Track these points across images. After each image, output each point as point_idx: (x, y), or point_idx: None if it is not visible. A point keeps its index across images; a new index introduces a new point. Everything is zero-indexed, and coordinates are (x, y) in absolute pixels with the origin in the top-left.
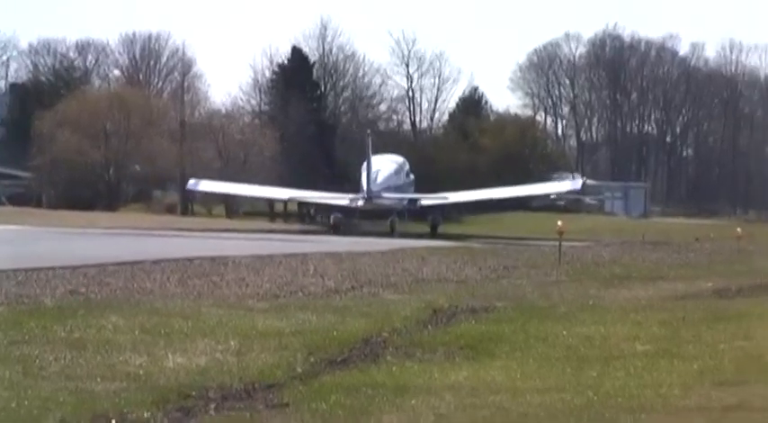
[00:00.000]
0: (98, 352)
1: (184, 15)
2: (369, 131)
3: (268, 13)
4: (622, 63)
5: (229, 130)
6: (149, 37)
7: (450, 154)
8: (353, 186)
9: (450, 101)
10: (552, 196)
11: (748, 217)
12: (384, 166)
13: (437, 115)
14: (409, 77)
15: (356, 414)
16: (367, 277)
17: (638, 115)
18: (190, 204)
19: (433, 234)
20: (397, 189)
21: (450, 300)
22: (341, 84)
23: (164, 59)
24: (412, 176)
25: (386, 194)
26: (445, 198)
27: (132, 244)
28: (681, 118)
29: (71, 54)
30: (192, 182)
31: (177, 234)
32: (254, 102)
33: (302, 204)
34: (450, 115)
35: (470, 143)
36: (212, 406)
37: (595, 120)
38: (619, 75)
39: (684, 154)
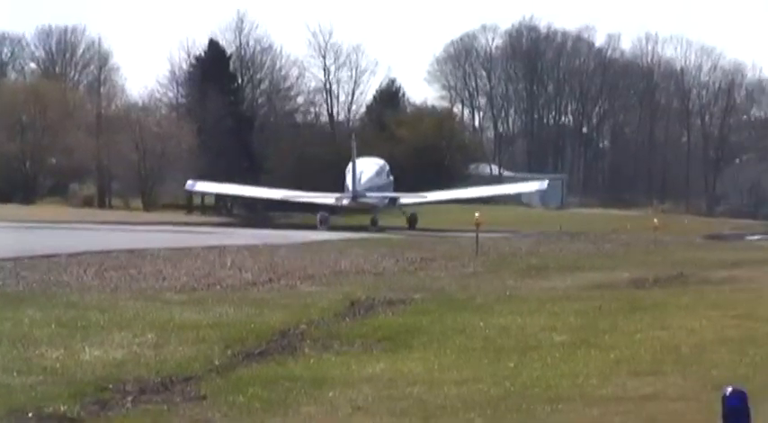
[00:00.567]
0: (14, 346)
1: (101, 8)
2: (353, 135)
3: (185, 5)
4: (539, 54)
5: (146, 122)
6: (65, 30)
7: (367, 146)
8: (269, 178)
9: (368, 93)
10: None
11: (665, 208)
12: (367, 168)
13: (354, 107)
14: (326, 70)
15: (274, 406)
16: (285, 269)
17: (554, 107)
18: (107, 197)
19: (412, 227)
20: (379, 189)
21: (367, 292)
22: (258, 76)
23: (80, 52)
24: (391, 177)
25: (369, 194)
26: (424, 196)
27: (49, 237)
28: (597, 109)
29: None
30: (189, 182)
31: (95, 227)
32: (171, 94)
33: (220, 197)
34: (368, 107)
35: (388, 135)
36: (129, 399)
37: (512, 111)
38: (535, 66)
39: (601, 145)
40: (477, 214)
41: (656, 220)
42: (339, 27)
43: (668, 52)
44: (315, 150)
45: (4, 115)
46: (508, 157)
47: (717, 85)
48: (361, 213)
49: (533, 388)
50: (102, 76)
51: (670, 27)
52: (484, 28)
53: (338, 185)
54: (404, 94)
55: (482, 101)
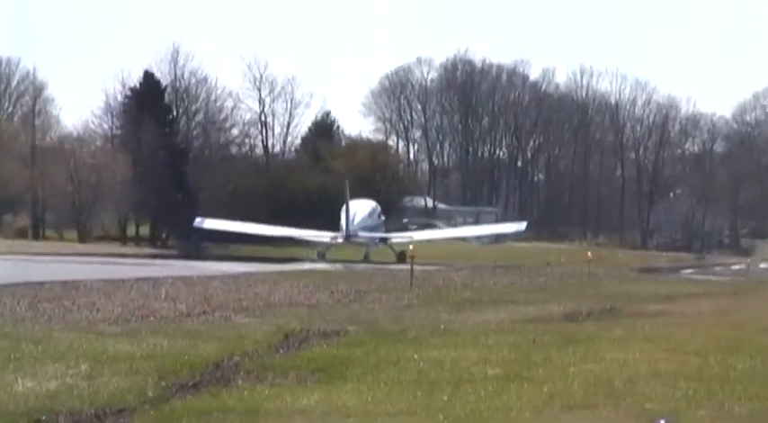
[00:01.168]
0: None
1: (36, 39)
2: (347, 181)
3: (120, 37)
4: (474, 87)
5: (81, 154)
6: (0, 61)
7: (302, 177)
8: (204, 209)
9: (303, 125)
10: (405, 220)
11: (599, 241)
12: (360, 209)
13: (290, 139)
14: (261, 101)
15: None
16: (219, 301)
17: (489, 140)
18: (41, 228)
19: (402, 261)
20: (371, 228)
21: (301, 323)
22: (193, 108)
23: (14, 83)
24: (383, 217)
25: (362, 234)
26: (411, 237)
27: None
28: (532, 143)
29: None
30: (198, 220)
31: (28, 258)
32: (105, 126)
33: (154, 228)
34: (303, 139)
35: (322, 167)
36: None
37: (447, 144)
38: (470, 99)
39: (536, 178)
40: (411, 247)
41: (589, 254)
42: (274, 59)
43: (603, 86)
44: (250, 182)
45: None
46: (443, 189)
47: (651, 119)
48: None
49: (467, 421)
50: (37, 108)
51: (604, 61)
52: (419, 61)
53: (275, 217)
54: (339, 127)
55: (417, 133)
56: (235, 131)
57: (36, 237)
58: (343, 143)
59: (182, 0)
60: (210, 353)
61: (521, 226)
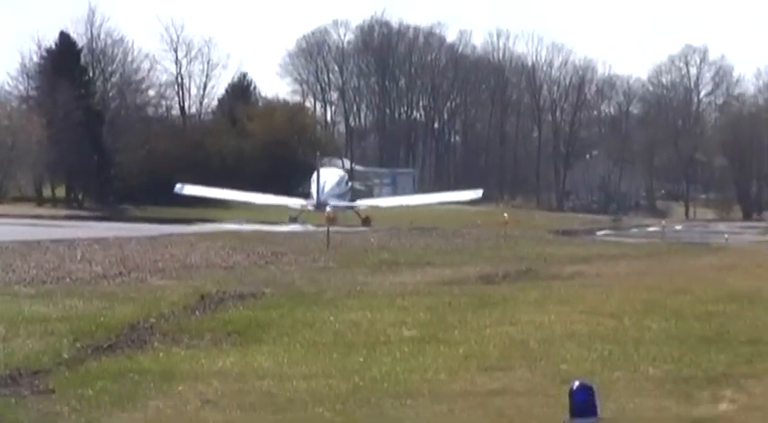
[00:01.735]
0: None
1: None
2: (318, 153)
3: None
4: (391, 49)
5: None
6: None
7: (218, 140)
8: (118, 170)
9: (220, 87)
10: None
11: (515, 202)
12: (329, 178)
13: (206, 101)
14: (178, 63)
15: (122, 400)
16: (135, 263)
17: (406, 101)
18: None
19: (366, 225)
20: (340, 196)
21: (218, 286)
22: (109, 69)
23: None
24: (350, 184)
25: (331, 202)
26: (377, 204)
27: None
28: (449, 104)
29: None
30: (178, 186)
31: None
32: (21, 87)
33: (70, 189)
34: (219, 101)
35: (239, 129)
36: None
37: (364, 106)
38: (387, 61)
39: (452, 140)
40: (328, 209)
41: (505, 216)
42: (191, 21)
43: (519, 48)
44: (166, 144)
45: None
46: (360, 151)
47: (567, 81)
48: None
49: (382, 383)
50: None
51: (521, 23)
52: (336, 23)
53: (192, 178)
54: (255, 88)
55: (334, 95)
56: (151, 93)
57: None
58: (260, 105)
59: None
60: (126, 314)
61: (477, 193)
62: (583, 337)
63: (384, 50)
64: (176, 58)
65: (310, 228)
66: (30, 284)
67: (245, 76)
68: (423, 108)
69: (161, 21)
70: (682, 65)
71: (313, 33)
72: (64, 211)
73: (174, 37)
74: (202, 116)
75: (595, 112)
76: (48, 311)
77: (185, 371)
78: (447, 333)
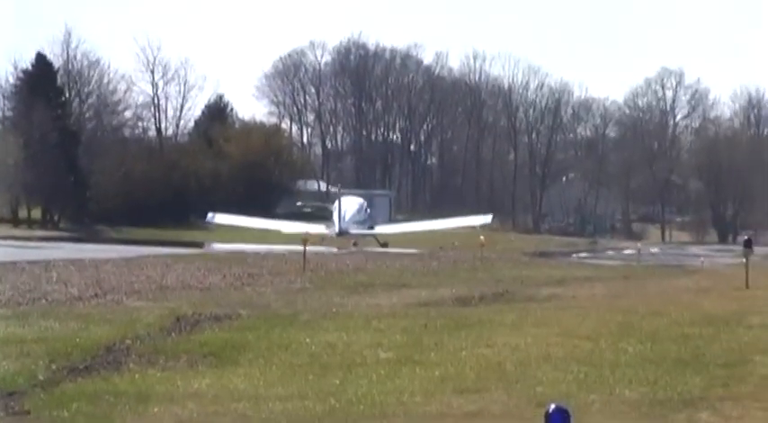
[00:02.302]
0: None
1: None
2: (339, 186)
3: (12, 18)
4: (367, 71)
5: None
6: None
7: (194, 161)
8: (94, 191)
9: (196, 108)
10: (298, 203)
11: (491, 225)
12: (350, 206)
13: (183, 122)
14: (154, 84)
15: (98, 422)
16: (111, 284)
17: (382, 123)
18: None
19: (385, 247)
20: (360, 223)
21: (194, 307)
22: (86, 90)
23: None
24: (369, 211)
25: (352, 230)
26: (392, 230)
27: None
28: (425, 126)
29: None
30: (209, 215)
31: None
32: None
33: (46, 210)
34: (196, 123)
35: (215, 151)
36: None
37: (340, 128)
38: (364, 83)
39: (429, 162)
40: (305, 233)
41: (482, 238)
42: (167, 42)
43: (495, 70)
44: (142, 165)
45: None
46: (336, 173)
47: (543, 104)
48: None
49: (358, 405)
50: None
51: (497, 45)
52: (312, 44)
53: (166, 198)
54: (232, 110)
55: (310, 117)
56: (128, 114)
57: None
58: (237, 126)
59: None
60: (102, 336)
61: (486, 219)
62: (559, 360)
63: (361, 72)
64: (153, 79)
65: (334, 250)
66: (5, 306)
67: (221, 97)
68: (399, 130)
69: (137, 42)
70: (658, 88)
71: (290, 55)
72: (40, 233)
73: (151, 58)
74: (179, 138)
75: (571, 135)
76: (23, 333)
77: (161, 393)
78: (423, 355)
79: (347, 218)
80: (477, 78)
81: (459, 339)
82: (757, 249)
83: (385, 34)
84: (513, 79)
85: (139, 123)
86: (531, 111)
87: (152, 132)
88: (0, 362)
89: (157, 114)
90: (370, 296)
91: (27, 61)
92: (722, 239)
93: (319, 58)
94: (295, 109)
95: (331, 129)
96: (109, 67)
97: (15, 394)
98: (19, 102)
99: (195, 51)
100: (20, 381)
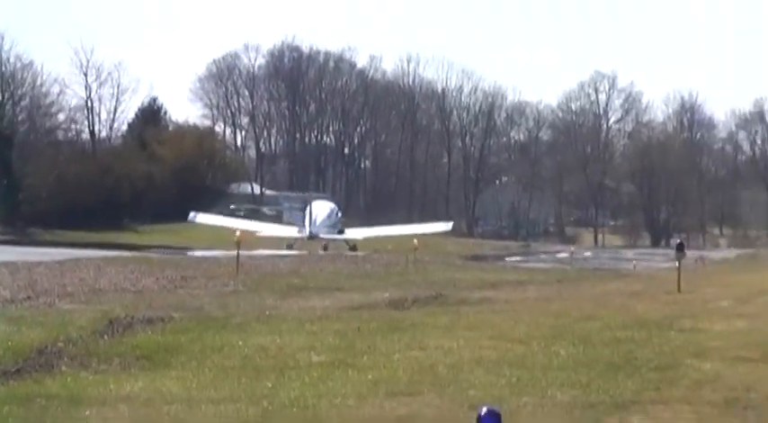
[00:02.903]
0: None
1: None
2: (310, 192)
3: None
4: (301, 74)
5: None
6: None
7: (128, 164)
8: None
9: (130, 111)
10: (231, 206)
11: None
12: (321, 211)
13: (116, 125)
14: (88, 87)
15: None
16: (43, 287)
17: (316, 126)
18: None
19: (354, 250)
20: (331, 227)
21: (127, 310)
22: (18, 93)
23: None
24: (340, 214)
25: (322, 235)
26: (363, 233)
27: None
28: (359, 129)
29: None
30: (191, 214)
31: None
32: None
33: None
34: (129, 125)
35: (148, 153)
36: None
37: (274, 131)
38: (297, 86)
39: (362, 165)
40: (237, 233)
41: (415, 241)
42: (100, 45)
43: (429, 74)
44: (75, 168)
45: None
46: (270, 176)
47: (477, 107)
48: None
49: (291, 407)
50: None
51: (431, 49)
52: (246, 47)
53: (100, 201)
54: (166, 113)
55: (244, 120)
56: (61, 117)
57: None
58: (170, 129)
59: None
60: (34, 339)
61: (447, 226)
62: (491, 363)
63: (294, 75)
64: (86, 82)
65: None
66: None
67: (155, 100)
68: (333, 133)
69: (70, 45)
70: (591, 91)
71: (223, 58)
72: None
73: (84, 61)
74: (112, 140)
75: (505, 139)
76: None
77: (93, 396)
78: (356, 358)
79: (318, 222)
80: (410, 82)
81: (392, 342)
82: (690, 253)
83: (319, 37)
84: (446, 83)
85: (73, 126)
86: (465, 114)
87: (85, 135)
88: None
89: (91, 117)
90: (303, 299)
91: None
92: (655, 243)
93: (253, 61)
94: (229, 112)
95: (265, 132)
96: (42, 69)
97: None
98: None
99: (129, 54)
100: None
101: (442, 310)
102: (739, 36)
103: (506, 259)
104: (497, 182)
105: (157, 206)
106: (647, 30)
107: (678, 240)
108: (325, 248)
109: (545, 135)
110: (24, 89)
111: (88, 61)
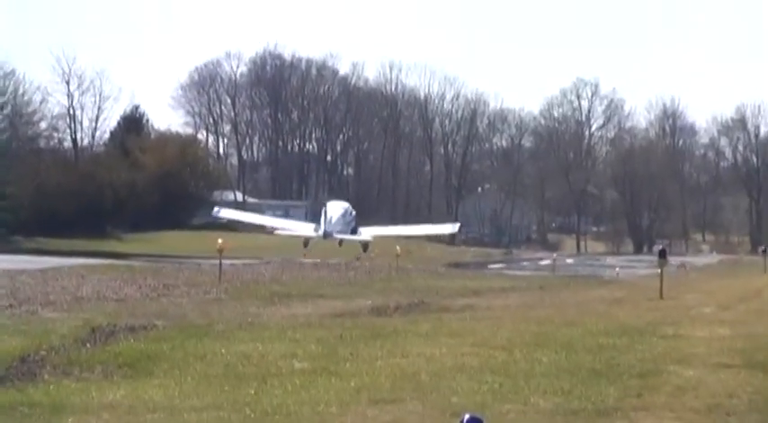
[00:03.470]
0: None
1: None
2: (325, 194)
3: None
4: (283, 82)
5: None
6: None
7: (110, 172)
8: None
9: (112, 119)
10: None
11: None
12: (336, 211)
13: (98, 133)
14: (70, 95)
15: None
16: (26, 295)
17: (299, 134)
18: None
19: (365, 251)
20: (345, 225)
21: (109, 318)
22: (0, 101)
23: None
24: (354, 213)
25: (337, 235)
26: (378, 232)
27: None
28: (341, 137)
29: None
30: (215, 209)
31: None
32: None
33: None
34: (112, 133)
35: (131, 161)
36: None
37: (257, 138)
38: (280, 93)
39: (345, 172)
40: (220, 241)
41: (398, 248)
42: (82, 53)
43: (412, 81)
44: (57, 176)
45: None
46: (252, 184)
47: (459, 114)
48: None
49: (273, 415)
50: None
51: (413, 56)
52: (228, 55)
53: (82, 209)
54: (148, 121)
55: (226, 127)
56: (43, 125)
57: None
58: (153, 137)
59: None
60: (16, 347)
61: (454, 227)
62: (474, 370)
63: (277, 83)
64: (68, 90)
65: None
66: None
67: (137, 108)
68: (315, 140)
69: (52, 53)
70: (573, 98)
71: (205, 65)
72: None
73: (66, 69)
74: (94, 148)
75: (487, 145)
76: None
77: (75, 404)
78: (338, 365)
79: (333, 221)
80: (393, 89)
81: (375, 349)
82: (672, 259)
83: (301, 45)
84: (429, 90)
85: (55, 134)
86: (447, 121)
87: (67, 143)
88: None
89: (73, 125)
90: (285, 307)
91: None
92: (637, 249)
93: (235, 69)
94: (211, 119)
95: (247, 139)
96: (24, 77)
97: None
98: None
99: (111, 62)
100: None
101: (425, 317)
102: (721, 43)
103: (489, 266)
104: (480, 189)
105: (140, 214)
106: (629, 36)
107: (660, 247)
108: (340, 244)
109: (527, 142)
110: (6, 98)
111: (70, 69)
